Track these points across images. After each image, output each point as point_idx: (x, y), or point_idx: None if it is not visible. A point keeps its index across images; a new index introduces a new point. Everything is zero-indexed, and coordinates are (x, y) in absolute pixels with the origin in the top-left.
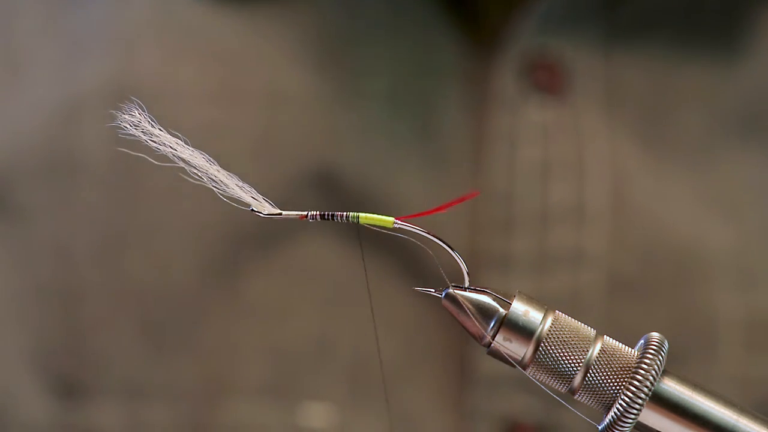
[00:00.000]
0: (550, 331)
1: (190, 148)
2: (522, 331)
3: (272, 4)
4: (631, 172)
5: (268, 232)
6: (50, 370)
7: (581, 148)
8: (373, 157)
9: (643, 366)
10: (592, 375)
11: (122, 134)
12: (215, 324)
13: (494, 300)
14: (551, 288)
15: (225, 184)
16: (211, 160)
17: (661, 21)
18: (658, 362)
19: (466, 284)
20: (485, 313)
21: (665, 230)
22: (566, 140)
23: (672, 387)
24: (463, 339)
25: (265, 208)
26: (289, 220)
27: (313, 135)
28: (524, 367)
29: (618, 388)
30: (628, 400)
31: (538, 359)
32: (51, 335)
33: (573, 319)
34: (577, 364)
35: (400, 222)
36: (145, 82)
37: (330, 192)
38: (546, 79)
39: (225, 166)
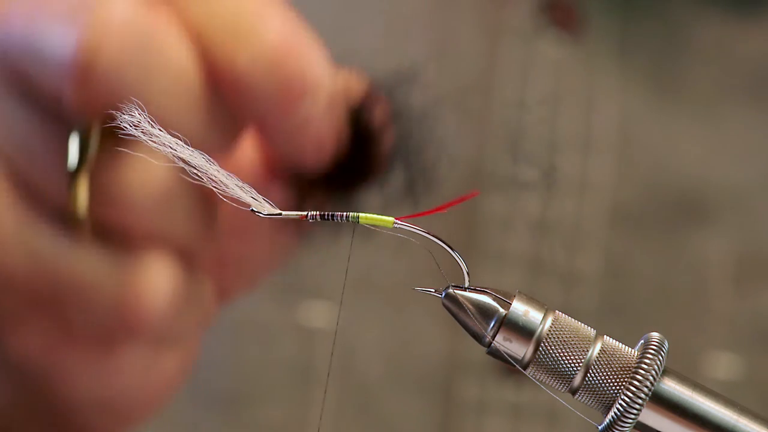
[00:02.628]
0: (550, 331)
1: (190, 148)
2: (522, 331)
3: None
4: (639, 112)
5: None
6: None
7: (592, 85)
8: None
9: (643, 366)
10: (592, 375)
11: (122, 134)
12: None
13: (494, 300)
14: (555, 213)
15: (225, 184)
16: (211, 160)
17: None
18: (658, 362)
19: (466, 284)
20: (485, 313)
21: (668, 169)
22: (578, 76)
23: (672, 387)
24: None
25: (265, 208)
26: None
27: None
28: (524, 367)
29: (618, 388)
30: (628, 400)
31: (538, 359)
32: None
33: (573, 319)
34: (577, 364)
35: (400, 222)
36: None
37: None
38: (562, 18)
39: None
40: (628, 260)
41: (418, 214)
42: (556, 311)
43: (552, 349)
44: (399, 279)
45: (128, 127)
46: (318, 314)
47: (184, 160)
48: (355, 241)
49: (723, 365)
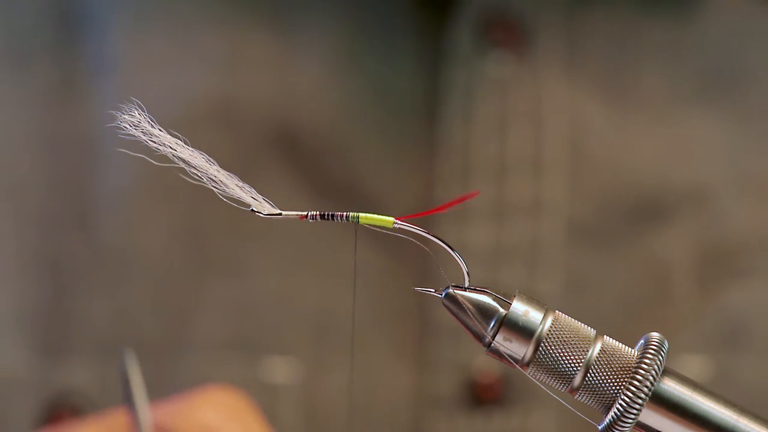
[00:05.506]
0: (550, 331)
1: (190, 148)
2: (522, 331)
3: None
4: (590, 124)
5: None
6: (33, 328)
7: (539, 101)
8: (331, 116)
9: (643, 366)
10: (592, 375)
11: (122, 134)
12: (181, 282)
13: (494, 300)
14: (510, 237)
15: (225, 184)
16: (211, 160)
17: None
18: (658, 362)
19: (466, 284)
20: (485, 313)
21: (624, 176)
22: (524, 94)
23: (672, 387)
24: (422, 293)
25: (265, 208)
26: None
27: (272, 96)
28: (524, 367)
29: (618, 388)
30: (628, 400)
31: (538, 359)
32: (34, 296)
33: (573, 319)
34: (577, 364)
35: (400, 222)
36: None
37: (290, 152)
38: (504, 37)
39: (188, 128)
40: (589, 274)
41: (419, 214)
42: (556, 311)
43: (552, 349)
44: (357, 323)
45: (128, 127)
46: (280, 370)
47: (184, 160)
48: (306, 284)
49: (694, 369)
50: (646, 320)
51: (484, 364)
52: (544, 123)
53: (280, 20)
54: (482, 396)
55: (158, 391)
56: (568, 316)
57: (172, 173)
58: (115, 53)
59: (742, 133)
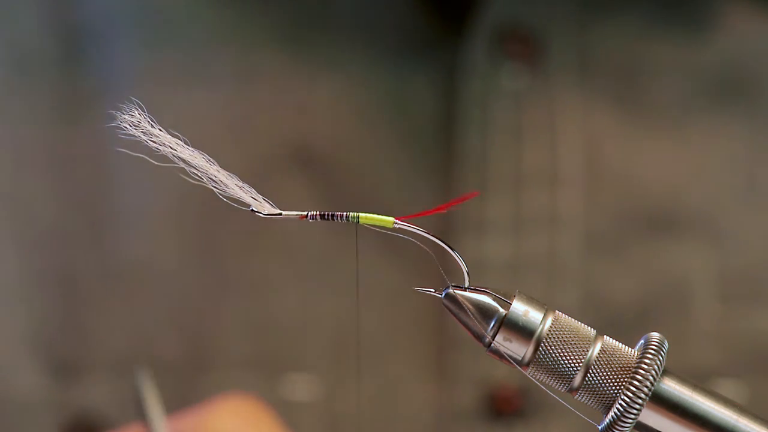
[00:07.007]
0: (550, 331)
1: (190, 148)
2: (522, 331)
3: None
4: (604, 136)
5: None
6: (47, 348)
7: (554, 114)
8: (346, 131)
9: (643, 366)
10: (592, 375)
11: (122, 134)
12: (199, 300)
13: (494, 300)
14: (527, 250)
15: (225, 184)
16: (211, 160)
17: None
18: (658, 362)
19: (466, 284)
20: (485, 313)
21: (640, 189)
22: (539, 107)
23: (672, 387)
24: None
25: (265, 208)
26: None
27: (288, 112)
28: (524, 367)
29: (618, 388)
30: (628, 400)
31: (538, 359)
32: (48, 315)
33: (573, 319)
34: (577, 364)
35: (400, 222)
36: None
37: (306, 168)
38: (518, 49)
39: (202, 147)
40: (607, 288)
41: (419, 214)
42: (556, 311)
43: (552, 349)
44: (376, 337)
45: (128, 127)
46: (300, 387)
47: (184, 160)
48: (324, 301)
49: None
50: (665, 333)
51: (503, 377)
52: (558, 135)
53: (295, 37)
54: (502, 408)
55: (176, 410)
56: (568, 316)
57: (188, 189)
58: (126, 70)
59: (757, 146)
